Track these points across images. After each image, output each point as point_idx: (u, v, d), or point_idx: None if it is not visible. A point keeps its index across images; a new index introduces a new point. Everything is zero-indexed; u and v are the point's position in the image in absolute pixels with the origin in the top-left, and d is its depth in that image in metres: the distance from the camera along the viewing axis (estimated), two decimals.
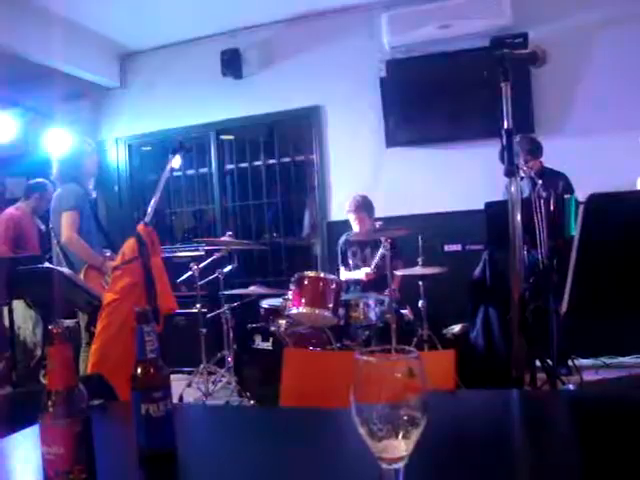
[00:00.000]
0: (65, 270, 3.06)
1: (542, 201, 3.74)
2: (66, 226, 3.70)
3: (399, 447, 0.77)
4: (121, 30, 5.84)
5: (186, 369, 4.87)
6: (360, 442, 0.79)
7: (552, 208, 3.68)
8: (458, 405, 1.30)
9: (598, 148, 4.86)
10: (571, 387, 2.75)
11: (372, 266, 4.56)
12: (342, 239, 4.91)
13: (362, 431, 0.78)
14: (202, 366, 4.51)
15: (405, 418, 0.76)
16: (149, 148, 6.61)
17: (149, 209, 2.56)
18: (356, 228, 4.75)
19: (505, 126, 1.51)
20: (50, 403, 0.88)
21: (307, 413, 1.35)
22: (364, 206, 4.76)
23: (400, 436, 0.76)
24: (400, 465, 0.78)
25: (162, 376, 1.08)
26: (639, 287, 1.40)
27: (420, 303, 4.38)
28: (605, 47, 4.98)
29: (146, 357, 1.07)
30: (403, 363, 0.78)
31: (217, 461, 1.08)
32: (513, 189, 1.50)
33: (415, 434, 0.77)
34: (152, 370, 1.07)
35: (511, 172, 1.46)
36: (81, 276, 3.51)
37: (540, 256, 3.74)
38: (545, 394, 1.84)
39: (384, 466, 0.78)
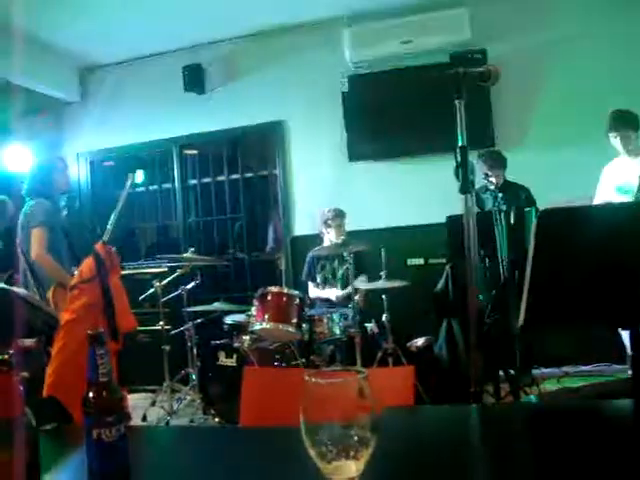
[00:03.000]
0: (20, 290, 2.98)
1: (502, 214, 3.80)
2: (35, 243, 3.62)
3: (350, 468, 0.77)
4: (81, 43, 5.76)
5: (150, 387, 4.80)
6: (313, 463, 0.78)
7: (512, 221, 3.74)
8: (416, 421, 1.30)
9: (556, 161, 4.96)
10: (533, 398, 2.79)
11: (340, 285, 4.62)
12: (310, 254, 4.91)
13: (312, 453, 0.77)
14: (166, 384, 4.45)
15: (355, 439, 0.76)
16: (111, 163, 6.53)
17: (108, 227, 2.53)
18: (332, 237, 4.74)
19: (459, 143, 1.54)
20: None
21: (264, 433, 1.34)
22: (343, 214, 4.83)
23: (351, 457, 0.76)
24: None
25: (115, 400, 1.06)
26: (592, 301, 1.43)
27: (384, 317, 4.39)
28: (561, 63, 5.11)
29: (98, 380, 1.05)
30: (353, 383, 0.78)
31: None
32: (468, 206, 1.52)
33: (365, 455, 0.77)
34: (104, 394, 1.05)
35: (466, 189, 1.48)
36: (49, 294, 3.44)
37: (501, 269, 3.80)
38: (503, 408, 1.86)
39: None
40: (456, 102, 1.57)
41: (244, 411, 1.66)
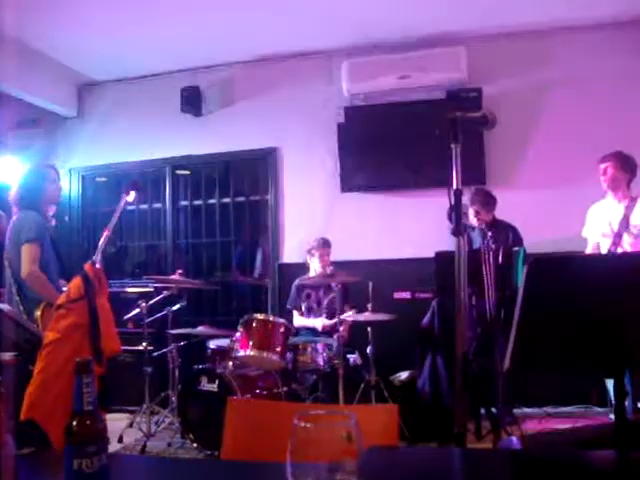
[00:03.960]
0: (4, 306, 2.93)
1: (491, 253, 3.83)
2: (27, 260, 3.48)
3: None
4: (81, 60, 5.80)
5: (128, 408, 4.73)
6: None
7: (500, 260, 3.76)
8: (399, 462, 1.30)
9: (546, 201, 5.03)
10: (514, 439, 2.78)
11: (325, 313, 4.63)
12: (295, 283, 4.92)
13: None
14: (145, 405, 4.40)
15: None
16: (104, 179, 6.52)
17: (100, 244, 2.52)
18: (317, 267, 4.76)
19: (454, 186, 1.56)
20: None
21: (249, 467, 1.32)
22: (328, 244, 4.88)
23: None
24: None
25: (98, 429, 1.05)
26: (578, 349, 1.44)
27: (368, 349, 4.38)
28: (555, 105, 5.20)
29: (83, 409, 1.04)
30: (342, 428, 0.78)
31: None
32: (460, 248, 1.54)
33: None
34: (88, 423, 1.03)
35: (458, 232, 1.50)
36: (38, 313, 3.33)
37: (488, 306, 3.81)
38: (489, 453, 1.85)
39: None
40: (452, 146, 1.59)
41: (226, 443, 1.64)
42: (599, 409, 4.73)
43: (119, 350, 2.46)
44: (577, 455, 1.44)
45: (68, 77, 6.14)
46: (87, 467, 1.01)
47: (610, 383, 4.34)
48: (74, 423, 1.03)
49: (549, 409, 4.78)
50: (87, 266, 2.42)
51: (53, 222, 4.00)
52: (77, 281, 2.38)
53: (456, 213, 1.52)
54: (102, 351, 2.26)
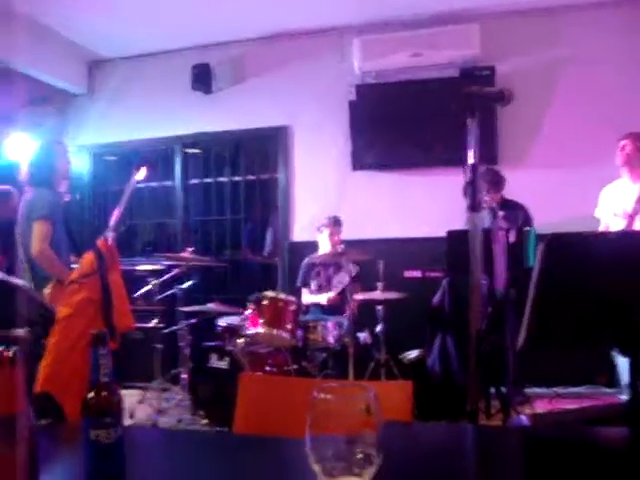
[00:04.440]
0: (18, 280, 2.95)
1: (502, 232, 3.80)
2: (37, 237, 3.48)
3: None
4: (91, 37, 5.77)
5: (139, 384, 4.78)
6: (315, 477, 0.78)
7: (512, 240, 3.74)
8: (413, 438, 1.30)
9: (558, 181, 4.98)
10: (524, 418, 2.78)
11: (334, 292, 4.61)
12: (305, 261, 4.92)
13: (316, 468, 0.77)
14: (156, 382, 4.43)
15: (360, 456, 0.76)
16: (113, 158, 6.52)
17: (111, 222, 2.52)
18: (326, 245, 4.76)
19: (470, 162, 1.54)
20: None
21: (262, 441, 1.33)
22: (339, 222, 4.87)
23: (354, 474, 0.76)
24: None
25: (114, 401, 1.05)
26: (593, 327, 1.43)
27: (378, 328, 4.39)
28: (569, 84, 5.13)
29: (99, 381, 1.04)
30: (361, 400, 0.77)
31: None
32: (475, 224, 1.53)
33: (369, 472, 0.77)
34: (104, 395, 1.04)
35: (474, 207, 1.48)
36: (47, 291, 3.34)
37: (499, 286, 3.80)
38: (501, 431, 1.85)
39: None
40: (468, 120, 1.57)
41: (238, 419, 1.65)
42: (608, 390, 4.73)
43: (132, 326, 2.47)
44: (588, 432, 1.44)
45: (78, 54, 6.11)
46: (104, 438, 1.01)
47: (621, 364, 4.33)
48: (91, 395, 1.03)
49: (559, 389, 4.78)
50: (100, 242, 2.42)
51: (67, 198, 4.00)
52: (89, 256, 2.39)
53: (472, 188, 1.51)
54: (115, 327, 2.28)
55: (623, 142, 4.17)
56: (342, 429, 0.76)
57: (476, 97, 1.57)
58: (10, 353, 0.87)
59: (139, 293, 4.65)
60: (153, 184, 6.29)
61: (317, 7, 5.21)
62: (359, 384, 0.81)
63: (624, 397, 4.34)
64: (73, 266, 3.68)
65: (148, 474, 1.12)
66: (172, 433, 2.15)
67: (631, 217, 4.05)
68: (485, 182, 4.43)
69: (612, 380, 4.64)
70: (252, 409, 1.65)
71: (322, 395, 0.77)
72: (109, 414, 1.03)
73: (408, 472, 1.07)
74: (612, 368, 4.46)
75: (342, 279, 4.66)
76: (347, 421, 0.77)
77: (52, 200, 3.67)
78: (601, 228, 4.33)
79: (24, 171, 3.82)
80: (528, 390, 4.49)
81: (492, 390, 3.95)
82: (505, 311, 3.83)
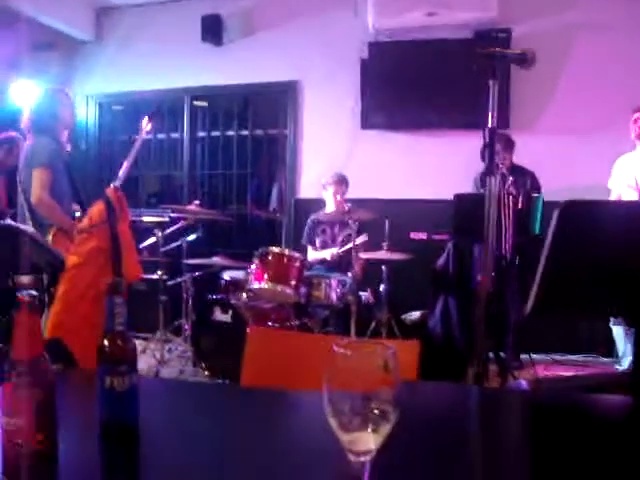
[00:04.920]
0: (27, 228, 2.95)
1: (511, 197, 3.79)
2: (37, 185, 3.46)
3: (368, 440, 0.77)
4: None
5: (142, 335, 4.83)
6: (326, 430, 0.79)
7: (520, 205, 3.73)
8: (420, 398, 1.32)
9: (568, 149, 4.94)
10: (523, 382, 2.82)
11: (339, 248, 4.60)
12: (311, 218, 4.91)
13: (333, 422, 0.78)
14: (159, 333, 4.48)
15: (376, 412, 0.77)
16: (120, 107, 6.46)
17: (120, 173, 2.50)
18: (331, 203, 4.75)
19: (489, 124, 1.52)
20: (14, 373, 0.86)
21: (272, 394, 1.35)
22: (344, 181, 4.81)
23: (370, 429, 0.77)
24: (367, 458, 0.78)
25: (129, 349, 1.07)
26: (603, 295, 1.44)
27: (382, 287, 4.41)
28: (586, 50, 5.03)
29: (114, 329, 1.05)
30: (379, 357, 0.78)
31: (180, 438, 1.08)
32: (492, 186, 1.52)
33: (385, 429, 0.77)
34: (119, 343, 1.05)
35: (491, 170, 1.47)
36: (49, 238, 3.33)
37: (504, 252, 3.81)
38: (506, 393, 1.88)
39: (352, 458, 0.79)
40: (490, 82, 1.54)
41: (246, 372, 1.66)
42: (605, 359, 4.77)
43: (140, 276, 2.48)
44: (590, 398, 1.46)
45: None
46: (118, 385, 1.03)
47: (618, 334, 4.37)
48: (105, 343, 1.04)
49: (556, 356, 4.83)
50: (110, 190, 2.41)
51: (68, 147, 3.95)
52: (99, 205, 2.38)
53: (490, 152, 1.49)
54: (123, 276, 2.29)
55: (637, 114, 4.12)
56: (360, 385, 0.77)
57: (498, 58, 1.54)
58: (28, 298, 0.87)
59: (144, 244, 4.66)
60: (160, 136, 6.25)
61: None
62: (378, 341, 0.82)
63: (619, 367, 4.40)
64: (77, 214, 3.69)
65: (160, 422, 1.14)
66: (181, 384, 2.18)
67: None
68: (499, 145, 4.39)
69: (609, 350, 4.70)
70: (260, 362, 1.67)
71: (342, 350, 0.77)
72: (123, 362, 1.04)
73: (418, 432, 1.09)
74: (609, 338, 4.51)
75: (348, 237, 4.65)
76: (365, 377, 0.77)
77: (53, 148, 3.62)
78: (612, 199, 4.31)
79: (26, 118, 3.76)
80: (525, 356, 4.53)
81: (491, 355, 3.99)
82: (509, 277, 3.85)
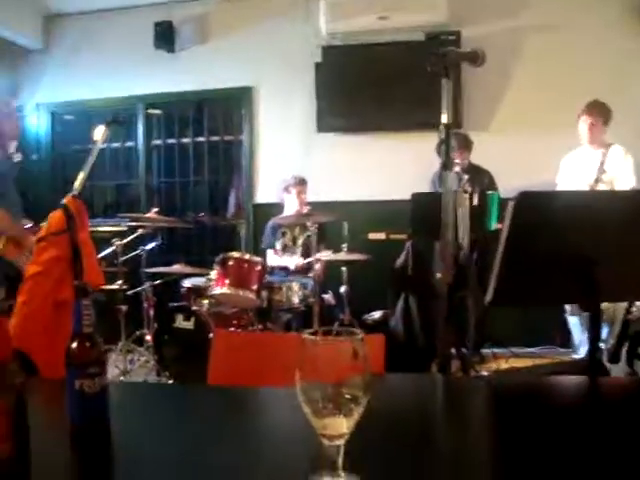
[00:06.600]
0: None
1: (466, 195, 3.86)
2: None
3: (341, 425, 0.80)
4: None
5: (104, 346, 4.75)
6: (299, 419, 0.81)
7: (475, 203, 3.80)
8: (388, 388, 1.35)
9: (520, 148, 5.05)
10: (485, 375, 2.89)
11: (300, 253, 4.65)
12: (270, 222, 4.91)
13: (306, 409, 0.80)
14: (120, 344, 4.41)
15: (348, 397, 0.79)
16: (73, 117, 6.35)
17: (78, 181, 2.47)
18: (294, 205, 4.77)
19: (444, 121, 1.57)
20: None
21: (239, 392, 1.36)
22: (305, 182, 4.88)
23: (342, 414, 0.79)
24: (341, 442, 0.81)
25: (98, 351, 1.06)
26: (559, 283, 1.48)
27: (342, 289, 4.45)
28: (533, 50, 5.18)
29: (82, 332, 1.05)
30: (348, 344, 0.80)
31: (151, 438, 1.08)
32: (449, 182, 1.56)
33: (357, 413, 0.80)
34: (88, 345, 1.05)
35: (447, 165, 1.52)
36: (0, 247, 3.27)
37: (461, 248, 3.87)
38: (469, 380, 1.92)
39: (326, 442, 0.81)
40: (444, 81, 1.59)
41: (212, 373, 1.67)
42: (562, 349, 4.90)
43: (102, 284, 2.45)
44: (546, 380, 1.51)
45: (33, 7, 5.88)
46: (88, 387, 1.02)
47: (574, 325, 4.50)
48: (74, 345, 1.04)
49: (515, 349, 4.93)
50: (68, 199, 2.38)
51: (17, 158, 3.85)
52: (58, 214, 2.35)
53: (446, 147, 1.54)
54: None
55: (587, 119, 4.30)
56: (330, 372, 0.79)
57: (451, 57, 1.59)
58: None
59: (102, 254, 4.58)
60: (115, 144, 6.16)
61: None
62: (345, 329, 0.84)
63: (576, 356, 4.53)
64: (27, 226, 3.60)
65: (131, 424, 1.14)
66: (147, 386, 2.17)
67: (594, 183, 4.17)
68: (455, 144, 4.48)
69: (565, 341, 4.82)
70: (225, 364, 1.68)
71: (311, 338, 0.80)
72: (93, 364, 1.04)
73: (390, 418, 1.11)
74: (566, 329, 4.64)
75: (308, 242, 4.68)
76: (335, 364, 0.80)
77: None
78: None
79: None
80: (486, 350, 4.62)
81: (452, 351, 4.06)
82: (467, 273, 3.92)
